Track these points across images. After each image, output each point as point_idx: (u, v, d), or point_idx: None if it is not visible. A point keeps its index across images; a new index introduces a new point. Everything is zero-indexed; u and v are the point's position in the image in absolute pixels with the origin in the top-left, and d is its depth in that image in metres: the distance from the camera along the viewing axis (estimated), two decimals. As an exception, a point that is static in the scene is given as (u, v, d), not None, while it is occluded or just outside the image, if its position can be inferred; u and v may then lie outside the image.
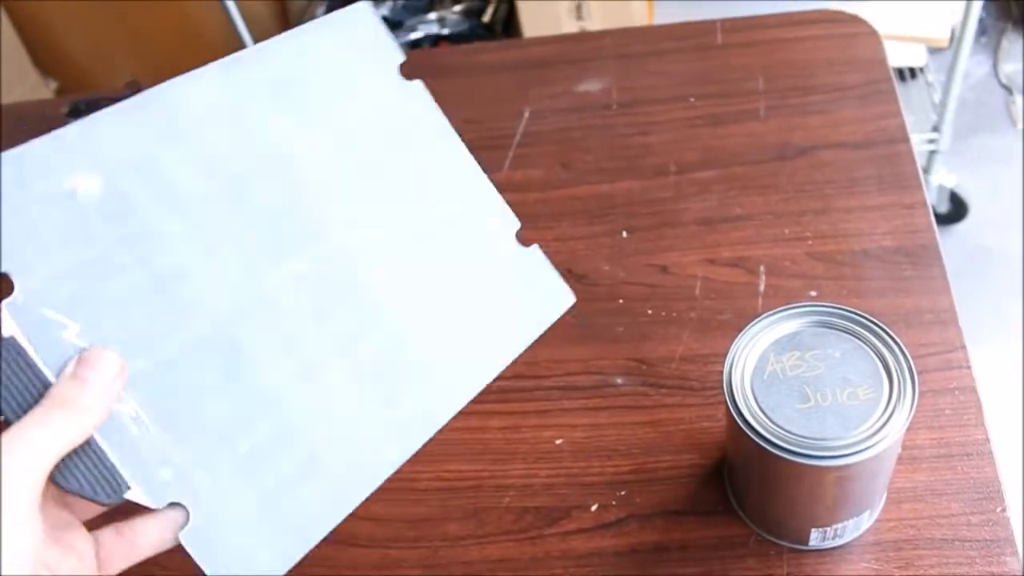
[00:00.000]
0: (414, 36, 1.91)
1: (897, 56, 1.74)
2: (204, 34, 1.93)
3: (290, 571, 0.39)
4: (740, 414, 0.48)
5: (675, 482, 0.59)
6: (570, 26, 1.79)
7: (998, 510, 0.54)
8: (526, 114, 0.86)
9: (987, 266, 1.63)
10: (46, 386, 0.35)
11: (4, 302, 0.35)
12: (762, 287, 0.68)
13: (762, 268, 0.69)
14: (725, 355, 0.50)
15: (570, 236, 0.75)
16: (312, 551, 0.60)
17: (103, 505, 0.36)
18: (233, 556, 0.39)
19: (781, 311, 0.51)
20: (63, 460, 0.35)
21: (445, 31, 1.92)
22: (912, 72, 1.82)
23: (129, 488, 0.36)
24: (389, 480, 0.62)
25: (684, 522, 0.57)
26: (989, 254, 1.65)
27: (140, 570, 0.38)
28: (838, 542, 0.54)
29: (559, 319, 0.68)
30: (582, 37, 0.97)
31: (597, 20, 1.77)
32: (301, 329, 0.42)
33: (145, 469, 0.37)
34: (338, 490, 0.42)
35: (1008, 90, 1.94)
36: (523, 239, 0.49)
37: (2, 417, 0.34)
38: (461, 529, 0.59)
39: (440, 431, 0.64)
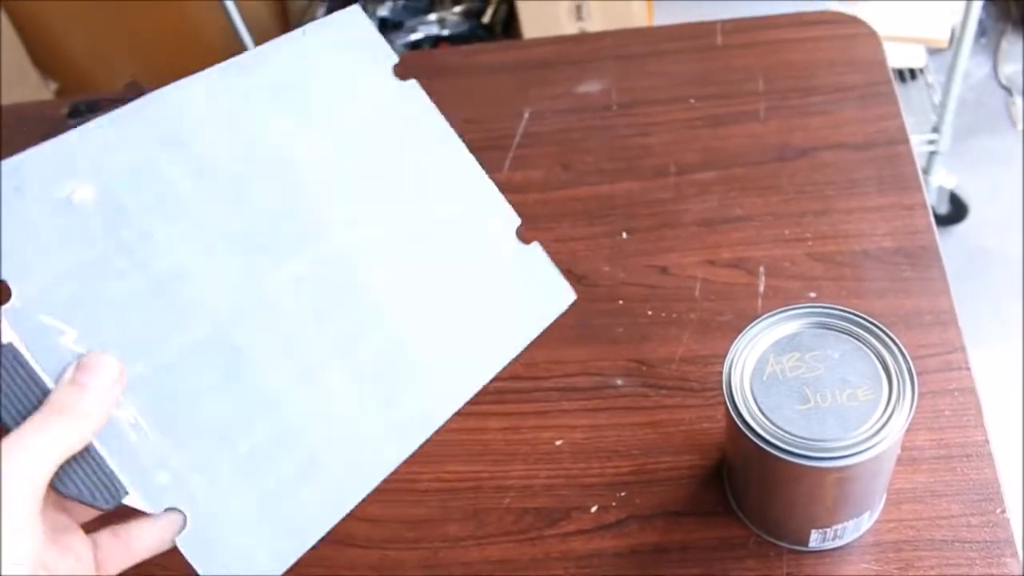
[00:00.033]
0: (414, 37, 1.91)
1: (897, 57, 1.74)
2: (204, 35, 1.93)
3: (288, 572, 0.39)
4: (740, 415, 0.48)
5: (675, 483, 0.59)
6: (570, 27, 1.79)
7: (998, 511, 0.54)
8: (526, 115, 0.86)
9: (987, 267, 1.63)
10: (45, 393, 0.35)
11: (2, 308, 0.35)
12: (762, 288, 0.68)
13: (762, 269, 0.69)
14: (725, 356, 0.50)
15: (570, 237, 0.75)
16: (311, 552, 0.59)
17: (101, 510, 0.36)
18: (231, 557, 0.39)
19: (781, 312, 0.51)
20: (62, 466, 0.35)
21: (445, 32, 1.92)
22: (912, 73, 1.82)
23: (127, 493, 0.36)
24: (388, 481, 0.62)
25: (684, 523, 0.57)
26: (989, 255, 1.65)
27: (139, 570, 0.38)
28: (838, 543, 0.54)
29: (559, 319, 0.68)
30: (582, 38, 0.97)
31: (597, 21, 1.77)
32: (301, 330, 0.42)
33: (143, 474, 0.37)
34: (337, 490, 0.42)
35: (1008, 91, 1.94)
36: (523, 238, 0.49)
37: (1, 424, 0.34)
38: (461, 530, 0.59)
39: (440, 432, 0.64)
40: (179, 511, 0.38)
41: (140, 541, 0.37)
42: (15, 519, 0.32)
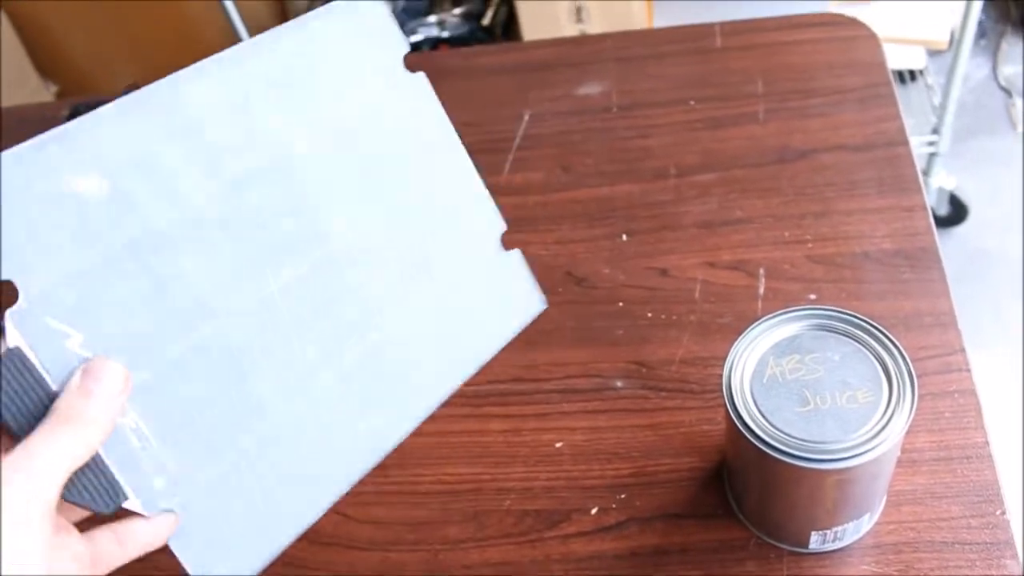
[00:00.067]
0: (414, 39, 1.91)
1: (897, 59, 1.74)
2: (204, 37, 1.94)
3: (291, 574, 0.40)
4: (740, 417, 0.48)
5: (675, 485, 0.59)
6: (570, 29, 1.79)
7: (998, 513, 0.54)
8: (526, 117, 0.86)
9: (987, 269, 1.63)
10: (51, 397, 0.35)
11: (8, 312, 0.34)
12: (762, 290, 0.68)
13: (762, 271, 0.69)
14: (725, 358, 0.50)
15: (570, 239, 0.75)
16: (313, 554, 0.60)
17: (101, 514, 0.37)
18: (218, 557, 0.40)
19: (781, 314, 0.51)
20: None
21: (445, 34, 1.92)
22: (912, 75, 1.82)
23: (127, 498, 0.37)
24: (389, 483, 0.62)
25: (684, 525, 0.57)
26: (989, 257, 1.65)
27: (130, 571, 0.38)
28: (838, 545, 0.54)
29: (559, 321, 0.69)
30: (582, 40, 0.97)
31: (597, 23, 1.78)
32: (294, 334, 0.42)
33: (142, 479, 0.37)
34: (311, 493, 0.43)
35: (1007, 92, 1.94)
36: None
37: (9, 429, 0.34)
38: (461, 532, 0.59)
39: (440, 434, 0.64)
40: (173, 512, 0.38)
41: (135, 540, 0.37)
42: (31, 533, 0.32)
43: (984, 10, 2.01)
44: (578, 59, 0.91)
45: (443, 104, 0.48)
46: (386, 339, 0.45)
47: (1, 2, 1.89)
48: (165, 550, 0.38)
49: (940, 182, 1.66)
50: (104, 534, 0.37)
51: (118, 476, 0.36)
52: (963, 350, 0.62)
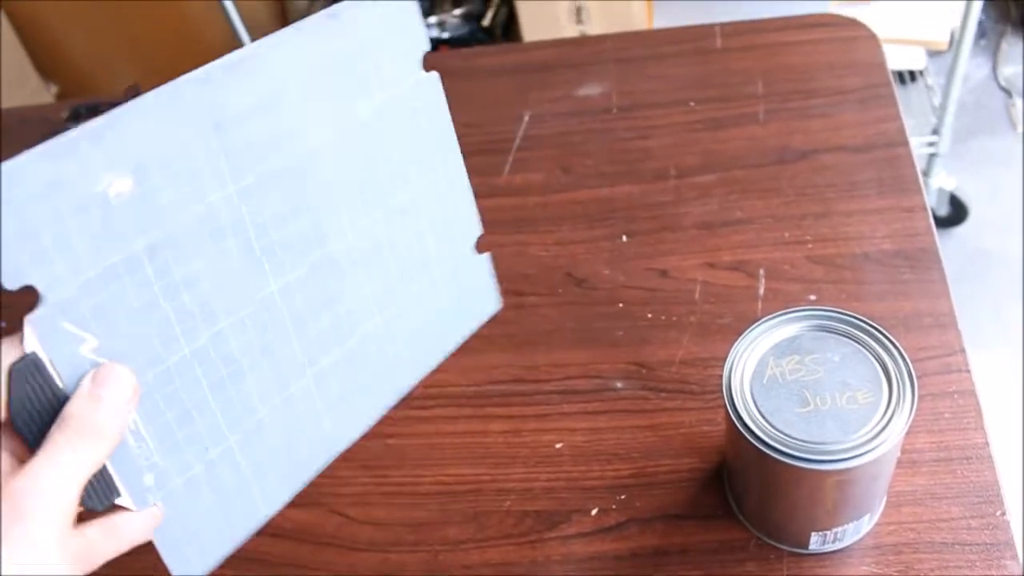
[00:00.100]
0: (414, 39, 1.91)
1: (897, 59, 1.74)
2: (204, 37, 1.94)
3: (293, 575, 0.40)
4: (739, 418, 0.48)
5: (675, 486, 0.59)
6: (570, 30, 1.79)
7: (998, 514, 0.54)
8: (526, 118, 0.86)
9: (987, 269, 1.63)
10: (61, 402, 0.34)
11: (28, 317, 0.33)
12: (762, 291, 0.68)
13: (762, 272, 0.69)
14: (725, 359, 0.50)
15: (570, 240, 0.75)
16: (313, 555, 0.60)
17: (91, 510, 0.37)
18: (193, 553, 0.40)
19: (781, 315, 0.51)
20: None
21: (445, 35, 1.92)
22: (912, 75, 1.82)
23: (120, 495, 0.37)
24: (390, 484, 0.62)
25: (684, 526, 0.57)
26: (989, 257, 1.65)
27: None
28: (838, 546, 0.54)
29: (559, 322, 0.69)
30: (582, 41, 0.97)
31: (597, 23, 1.78)
32: (285, 337, 0.42)
33: (134, 476, 0.37)
34: (276, 490, 0.43)
35: (1008, 93, 1.94)
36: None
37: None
38: (461, 533, 0.59)
39: (440, 435, 0.64)
40: (158, 505, 0.39)
41: (124, 534, 0.38)
42: (57, 547, 0.33)
43: (984, 10, 2.01)
44: (578, 60, 0.91)
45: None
46: (363, 339, 0.46)
47: (1, 3, 1.89)
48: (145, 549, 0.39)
49: (940, 182, 1.66)
50: (95, 529, 0.37)
51: (114, 475, 0.36)
52: (963, 351, 0.62)
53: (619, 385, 0.65)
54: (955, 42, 1.47)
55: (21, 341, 0.34)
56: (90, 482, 0.35)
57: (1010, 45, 2.03)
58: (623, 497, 0.59)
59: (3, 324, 0.76)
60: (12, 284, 0.32)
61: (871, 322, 0.50)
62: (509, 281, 0.73)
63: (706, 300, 0.68)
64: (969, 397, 0.59)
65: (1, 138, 1.00)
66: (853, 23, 0.89)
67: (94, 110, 0.99)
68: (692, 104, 0.84)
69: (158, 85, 0.38)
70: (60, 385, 0.35)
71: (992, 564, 0.52)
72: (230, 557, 0.60)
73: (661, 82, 0.87)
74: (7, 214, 0.32)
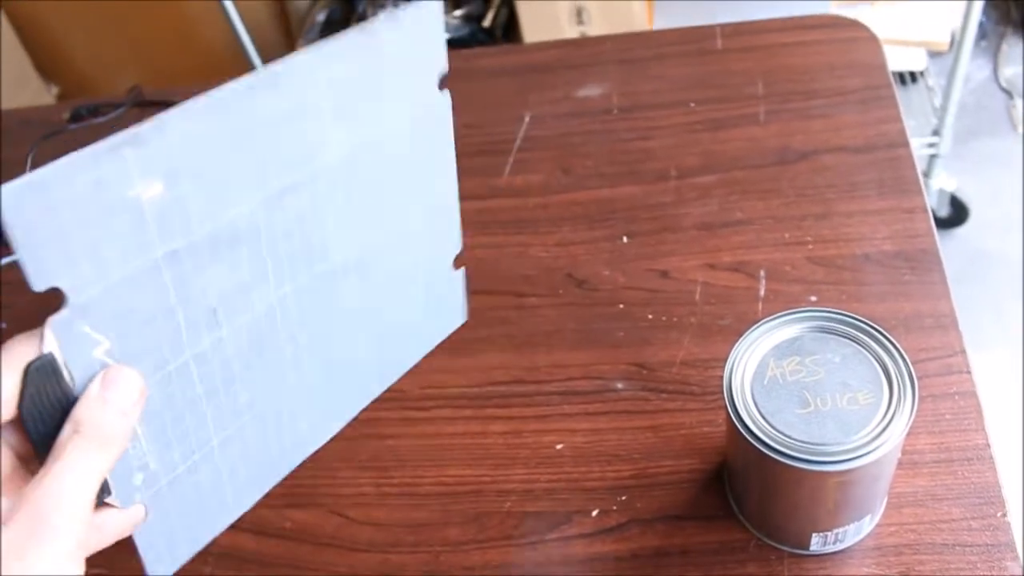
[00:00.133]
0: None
1: (897, 60, 1.74)
2: (204, 37, 1.94)
3: (295, 575, 0.40)
4: (740, 419, 0.48)
5: (676, 487, 0.59)
6: (571, 31, 1.79)
7: (999, 515, 0.54)
8: (526, 119, 0.86)
9: (987, 270, 1.63)
10: (69, 402, 0.34)
11: (52, 319, 0.33)
12: (762, 292, 0.68)
13: (762, 273, 0.69)
14: (725, 360, 0.50)
15: (570, 241, 0.75)
16: (313, 555, 0.60)
17: None
18: (165, 551, 0.41)
19: (781, 316, 0.51)
20: None
21: (446, 36, 1.92)
22: (912, 76, 1.82)
23: (110, 494, 0.37)
24: (390, 484, 0.62)
25: (685, 527, 0.57)
26: (989, 258, 1.65)
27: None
28: (839, 547, 0.54)
29: (560, 323, 0.69)
30: (582, 42, 0.97)
31: (597, 24, 1.78)
32: (277, 344, 0.43)
33: (125, 475, 0.37)
34: (248, 491, 0.44)
35: (1008, 94, 1.94)
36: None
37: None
38: (462, 534, 0.59)
39: (441, 436, 0.64)
40: (143, 505, 0.39)
41: (109, 529, 0.38)
42: (75, 556, 0.33)
43: (985, 11, 2.01)
44: (579, 61, 0.91)
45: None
46: (344, 348, 0.46)
47: (1, 4, 1.89)
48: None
49: (941, 183, 1.66)
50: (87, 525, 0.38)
51: (108, 476, 0.37)
52: (964, 352, 0.62)
53: (620, 386, 0.65)
54: (956, 43, 1.47)
55: (39, 339, 0.34)
56: None
57: (1011, 46, 2.03)
58: (624, 498, 0.59)
59: (3, 325, 0.76)
60: (40, 285, 0.32)
61: (872, 323, 0.50)
62: (509, 282, 0.73)
63: (707, 301, 0.68)
64: (970, 398, 0.59)
65: (1, 139, 1.00)
66: (854, 24, 0.89)
67: (95, 111, 0.99)
68: (693, 105, 0.84)
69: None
70: (71, 386, 0.35)
71: (993, 565, 0.52)
72: (230, 557, 0.60)
73: (662, 83, 0.87)
74: (45, 216, 0.31)
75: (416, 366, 0.52)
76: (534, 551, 0.58)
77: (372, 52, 0.41)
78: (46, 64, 2.02)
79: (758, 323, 0.51)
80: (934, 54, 1.85)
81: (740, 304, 0.68)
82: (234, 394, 0.41)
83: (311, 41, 2.01)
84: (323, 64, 0.39)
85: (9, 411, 0.33)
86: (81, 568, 0.34)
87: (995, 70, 1.99)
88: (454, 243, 0.51)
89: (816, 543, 0.53)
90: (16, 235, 0.30)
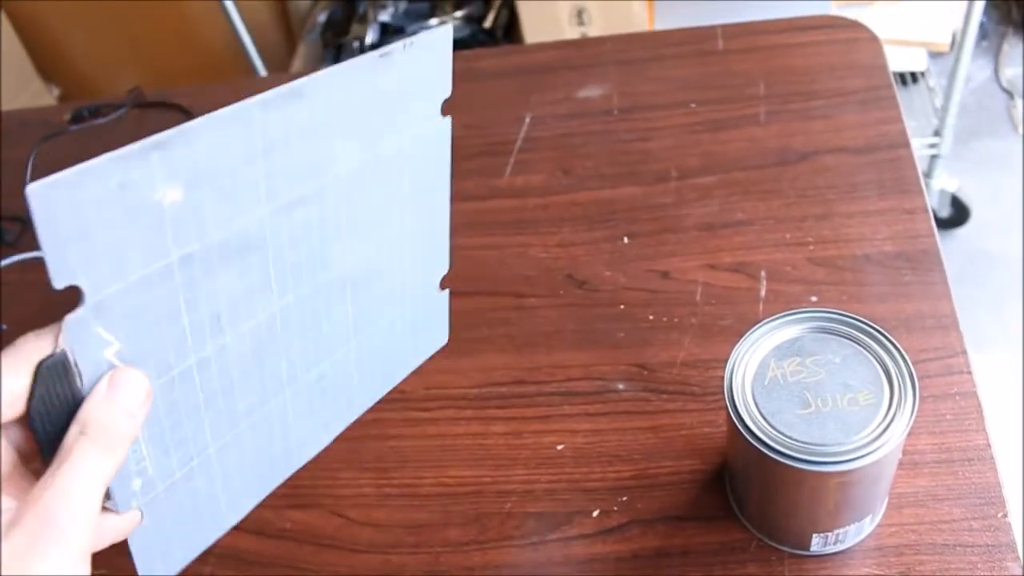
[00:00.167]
0: (415, 41, 1.91)
1: (898, 61, 1.74)
2: (205, 38, 1.94)
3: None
4: (741, 419, 0.48)
5: (676, 487, 0.59)
6: (571, 32, 1.79)
7: (999, 515, 0.54)
8: (527, 120, 0.86)
9: (988, 270, 1.63)
10: (76, 402, 0.34)
11: (68, 317, 0.33)
12: (763, 292, 0.68)
13: (763, 273, 0.69)
14: (726, 360, 0.50)
15: (571, 242, 0.75)
16: (314, 556, 0.60)
17: None
18: (159, 557, 0.41)
19: (782, 316, 0.51)
20: None
21: (446, 36, 1.92)
22: (913, 77, 1.82)
23: (109, 499, 0.37)
24: (391, 485, 0.62)
25: (686, 527, 0.57)
26: (990, 258, 1.65)
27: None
28: (839, 547, 0.54)
29: (560, 323, 0.69)
30: (583, 43, 0.97)
31: (598, 25, 1.78)
32: (276, 355, 0.43)
33: (124, 481, 0.37)
34: (238, 501, 0.44)
35: (1009, 94, 1.94)
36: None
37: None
38: (462, 535, 0.59)
39: (442, 437, 0.64)
40: (139, 510, 0.39)
41: (105, 535, 0.38)
42: (85, 559, 0.33)
43: (985, 12, 2.01)
44: (579, 62, 0.91)
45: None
46: (336, 362, 0.47)
47: (1, 4, 1.89)
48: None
49: (942, 184, 1.66)
50: None
51: None
52: (964, 352, 0.62)
53: (620, 387, 0.65)
54: (957, 44, 1.47)
55: (50, 338, 0.34)
56: None
57: (1011, 47, 2.03)
58: (624, 499, 0.59)
59: (4, 327, 0.76)
60: (60, 283, 0.32)
61: (872, 324, 0.50)
62: (510, 283, 0.73)
63: (707, 302, 0.68)
64: (970, 399, 0.59)
65: (1, 140, 1.00)
66: (854, 25, 0.89)
67: (95, 112, 0.99)
68: (693, 106, 0.84)
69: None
70: (79, 386, 0.35)
71: (994, 566, 0.52)
72: (231, 558, 0.60)
73: (662, 84, 0.87)
74: (70, 214, 0.32)
75: (417, 367, 0.52)
76: (535, 552, 0.58)
77: (385, 75, 0.42)
78: (46, 65, 2.02)
79: (759, 324, 0.51)
80: (935, 54, 1.85)
81: (741, 305, 0.68)
82: (233, 402, 0.42)
83: (312, 42, 2.02)
84: (342, 83, 0.40)
85: (17, 409, 0.33)
86: (88, 569, 0.34)
87: (996, 70, 1.99)
88: (443, 264, 0.52)
89: (817, 544, 0.53)
90: (42, 232, 0.31)
